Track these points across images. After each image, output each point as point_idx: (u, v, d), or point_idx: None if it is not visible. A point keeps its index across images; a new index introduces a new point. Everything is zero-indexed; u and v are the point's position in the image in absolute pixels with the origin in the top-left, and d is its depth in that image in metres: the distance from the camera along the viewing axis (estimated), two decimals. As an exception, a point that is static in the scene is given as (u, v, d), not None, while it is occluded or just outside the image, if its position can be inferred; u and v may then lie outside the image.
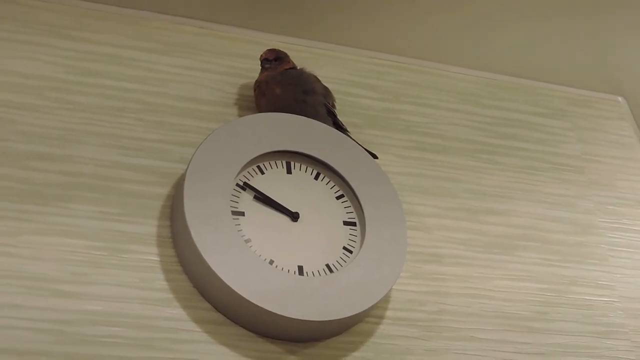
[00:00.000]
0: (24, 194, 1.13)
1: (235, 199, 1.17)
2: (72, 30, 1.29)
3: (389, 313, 1.22)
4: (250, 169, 1.20)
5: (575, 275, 1.36)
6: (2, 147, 1.15)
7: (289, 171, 1.22)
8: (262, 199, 1.18)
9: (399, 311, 1.22)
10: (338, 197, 1.23)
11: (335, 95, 1.37)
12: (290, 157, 1.23)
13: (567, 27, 1.45)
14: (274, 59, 1.29)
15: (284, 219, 1.18)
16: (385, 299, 1.23)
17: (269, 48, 1.34)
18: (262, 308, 1.08)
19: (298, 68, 1.30)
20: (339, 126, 1.29)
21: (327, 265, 1.16)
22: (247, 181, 1.19)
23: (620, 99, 1.61)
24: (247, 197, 1.18)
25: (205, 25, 1.38)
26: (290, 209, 1.19)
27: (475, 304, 1.27)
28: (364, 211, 1.21)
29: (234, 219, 1.15)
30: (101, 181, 1.18)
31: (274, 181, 1.20)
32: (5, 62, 1.23)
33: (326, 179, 1.24)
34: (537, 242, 1.37)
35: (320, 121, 1.26)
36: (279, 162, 1.22)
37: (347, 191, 1.24)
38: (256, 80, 1.29)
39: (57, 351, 1.04)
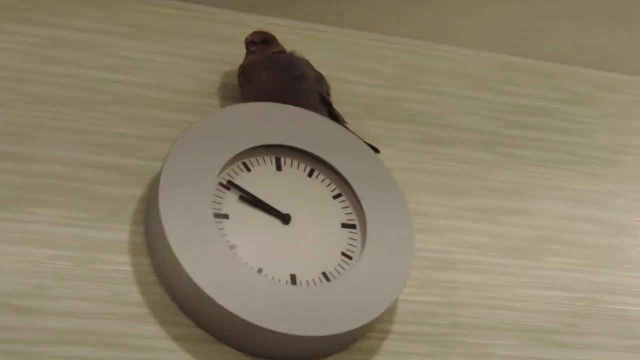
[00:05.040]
0: (-20, 197, 1.14)
1: (218, 200, 1.17)
2: (31, 13, 1.30)
3: (394, 327, 1.22)
4: (234, 166, 1.20)
5: (608, 282, 1.37)
6: (-47, 145, 1.16)
7: (278, 168, 1.23)
8: (249, 199, 1.18)
9: (406, 325, 1.23)
10: (335, 197, 1.24)
11: (330, 82, 1.38)
12: (280, 152, 1.24)
13: (593, 1, 1.45)
14: (260, 42, 1.30)
15: (274, 222, 1.18)
16: (390, 311, 1.23)
17: (255, 30, 1.35)
18: (250, 323, 1.09)
19: (287, 52, 1.31)
20: (334, 116, 1.30)
21: (324, 273, 1.17)
22: (232, 179, 1.19)
23: (655, 82, 1.62)
24: (231, 197, 1.18)
25: (181, 5, 1.38)
26: (280, 210, 1.19)
27: (494, 316, 1.28)
28: (365, 212, 1.22)
29: (216, 222, 1.15)
30: (66, 182, 1.18)
31: (262, 179, 1.21)
32: (-45, 50, 1.24)
33: (321, 176, 1.24)
34: (563, 245, 1.38)
35: (313, 111, 1.27)
36: (267, 158, 1.23)
37: (345, 190, 1.25)
38: (240, 65, 1.29)
39: (19, 374, 1.04)
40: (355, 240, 1.21)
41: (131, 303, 1.12)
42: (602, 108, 1.55)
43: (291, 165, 1.24)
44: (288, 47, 1.39)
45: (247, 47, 1.30)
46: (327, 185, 1.24)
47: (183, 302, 1.13)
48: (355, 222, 1.22)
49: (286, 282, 1.14)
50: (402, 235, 1.22)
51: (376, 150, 1.30)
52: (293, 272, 1.16)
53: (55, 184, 1.18)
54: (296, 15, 1.43)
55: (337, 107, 1.37)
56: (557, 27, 1.50)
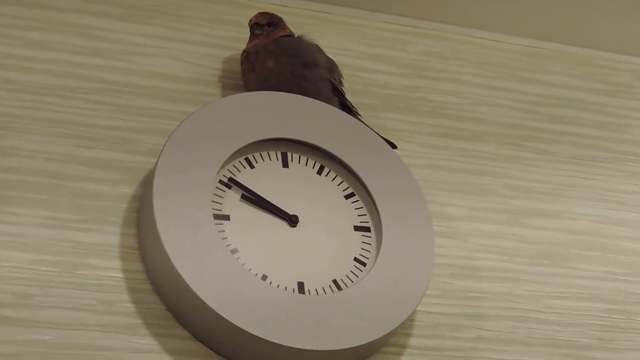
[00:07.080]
0: (-46, 195, 1.14)
1: (219, 199, 1.17)
2: (11, -8, 1.31)
3: (412, 341, 1.22)
4: (236, 162, 1.21)
5: (648, 293, 1.38)
6: None
7: (285, 164, 1.23)
8: (252, 198, 1.19)
9: (425, 338, 1.23)
10: (347, 196, 1.24)
11: (343, 70, 1.37)
12: (286, 147, 1.24)
13: (633, -18, 1.47)
14: (266, 24, 1.30)
15: (280, 224, 1.19)
16: (408, 323, 1.23)
17: (259, 11, 1.35)
18: (253, 335, 1.09)
19: (295, 36, 1.32)
20: (347, 108, 1.30)
21: (334, 281, 1.17)
22: (233, 177, 1.20)
23: (702, 71, 1.63)
24: (233, 196, 1.18)
25: (178, -16, 1.40)
26: (287, 211, 1.19)
27: (521, 329, 1.28)
28: (380, 213, 1.22)
29: (216, 224, 1.15)
30: (51, 179, 1.18)
31: (267, 177, 1.21)
32: None
33: (332, 174, 1.25)
34: (599, 252, 1.39)
35: (324, 101, 1.28)
36: (272, 153, 1.23)
37: (358, 188, 1.25)
38: (244, 51, 1.30)
39: (-3, 391, 1.05)
40: (369, 244, 1.21)
41: (122, 313, 1.12)
42: (644, 100, 1.57)
43: (299, 162, 1.24)
44: (296, 31, 1.39)
45: (251, 30, 1.31)
46: (339, 184, 1.24)
47: (179, 312, 1.13)
48: (369, 224, 1.23)
49: (293, 291, 1.14)
50: (421, 239, 1.22)
51: (393, 146, 1.30)
52: (301, 280, 1.16)
53: (38, 181, 1.18)
54: (306, -5, 1.45)
55: (351, 97, 1.37)
56: (594, 10, 1.50)
